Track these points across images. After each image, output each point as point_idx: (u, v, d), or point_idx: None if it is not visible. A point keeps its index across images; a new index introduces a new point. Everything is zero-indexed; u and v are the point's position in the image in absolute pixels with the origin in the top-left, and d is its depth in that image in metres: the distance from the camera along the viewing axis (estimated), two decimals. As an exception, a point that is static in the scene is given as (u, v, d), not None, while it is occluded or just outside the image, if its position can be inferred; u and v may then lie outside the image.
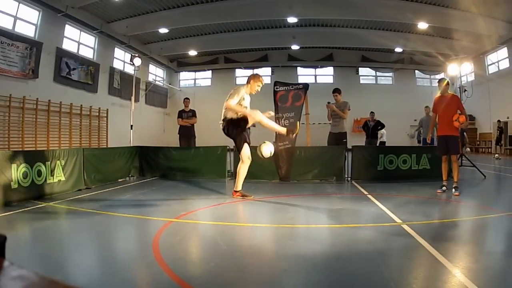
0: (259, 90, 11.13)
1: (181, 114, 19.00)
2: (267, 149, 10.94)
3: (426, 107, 20.96)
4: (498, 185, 15.63)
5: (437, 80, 12.66)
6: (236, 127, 10.78)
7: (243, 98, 10.76)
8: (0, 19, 23.18)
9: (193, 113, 18.96)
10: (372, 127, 21.83)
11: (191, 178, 15.55)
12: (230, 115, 10.72)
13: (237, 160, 14.70)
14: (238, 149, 11.23)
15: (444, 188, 11.68)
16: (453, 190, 11.42)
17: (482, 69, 38.81)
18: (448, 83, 12.12)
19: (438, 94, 12.22)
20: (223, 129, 10.95)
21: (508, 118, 32.02)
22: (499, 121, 32.18)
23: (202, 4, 31.41)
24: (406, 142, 39.88)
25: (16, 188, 9.85)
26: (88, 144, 30.92)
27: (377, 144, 23.88)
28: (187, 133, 18.70)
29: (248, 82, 11.10)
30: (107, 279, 4.79)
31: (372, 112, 22.52)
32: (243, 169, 11.06)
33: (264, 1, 30.90)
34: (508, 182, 16.43)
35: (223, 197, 11.57)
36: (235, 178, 11.45)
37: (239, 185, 11.16)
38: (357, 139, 22.36)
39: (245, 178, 11.26)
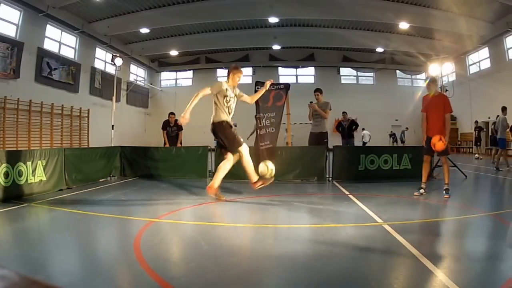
0: (239, 80, 11.18)
1: (165, 126, 19.03)
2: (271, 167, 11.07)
3: (504, 108, 20.86)
4: (479, 185, 15.73)
5: (426, 80, 12.37)
6: (220, 130, 10.80)
7: (226, 89, 10.74)
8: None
9: (178, 127, 18.90)
10: (347, 127, 21.73)
11: (172, 178, 15.53)
12: (214, 119, 10.78)
13: (218, 160, 14.75)
14: (231, 149, 11.00)
15: (422, 190, 11.41)
16: (444, 192, 11.20)
17: (463, 69, 39.15)
18: (435, 81, 12.02)
19: (430, 94, 11.91)
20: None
21: (489, 118, 32.21)
22: (476, 121, 32.34)
23: (183, 4, 31.49)
24: (387, 142, 40.15)
25: (-3, 188, 9.81)
26: (70, 144, 30.86)
27: (355, 144, 23.70)
28: (172, 143, 18.66)
29: (228, 75, 11.15)
30: (88, 279, 4.77)
31: (344, 112, 22.40)
32: (224, 166, 10.90)
33: (245, 1, 30.99)
34: (489, 182, 16.54)
35: (204, 197, 11.50)
36: (225, 178, 11.36)
37: (216, 182, 10.85)
38: (338, 139, 22.21)
39: (226, 178, 11.26)
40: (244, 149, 10.90)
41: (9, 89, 24.83)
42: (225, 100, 10.72)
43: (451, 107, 11.66)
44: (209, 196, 11.06)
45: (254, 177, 10.97)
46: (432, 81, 11.96)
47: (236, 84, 11.12)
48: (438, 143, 11.06)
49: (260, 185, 10.93)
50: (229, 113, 10.84)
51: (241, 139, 10.92)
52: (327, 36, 38.93)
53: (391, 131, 42.79)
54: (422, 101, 12.07)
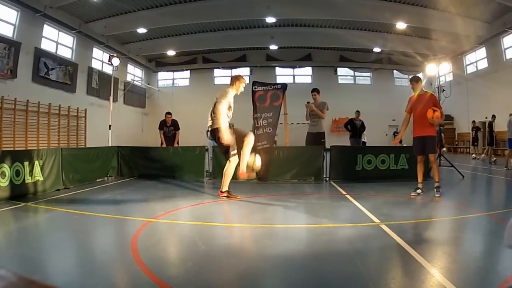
0: (243, 90, 11.47)
1: (162, 126, 19.15)
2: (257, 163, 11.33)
3: None
4: (476, 185, 15.75)
5: (410, 79, 12.38)
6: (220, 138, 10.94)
7: (231, 104, 11.05)
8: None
9: (175, 127, 19.03)
10: (359, 127, 21.61)
11: (169, 178, 15.54)
12: (217, 124, 10.86)
13: (215, 160, 14.79)
14: (224, 153, 11.32)
15: (419, 191, 11.41)
16: (435, 190, 11.24)
17: (460, 69, 39.12)
18: (418, 80, 11.88)
19: (415, 94, 12.00)
20: (209, 132, 11.22)
21: (486, 118, 32.18)
22: (474, 121, 32.30)
23: (180, 4, 31.45)
24: (384, 142, 40.11)
25: (-6, 189, 9.81)
26: (67, 144, 30.83)
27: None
28: (169, 143, 18.69)
29: (232, 83, 11.35)
30: (85, 279, 4.78)
31: (358, 111, 22.28)
32: (230, 169, 11.15)
33: (243, 1, 30.99)
34: (486, 182, 16.59)
35: (201, 197, 11.59)
36: (221, 178, 11.46)
37: (225, 185, 11.23)
38: (335, 139, 22.24)
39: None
40: (233, 160, 11.13)
41: (6, 89, 24.81)
42: (229, 109, 11.01)
43: (439, 104, 11.71)
44: (207, 196, 11.16)
45: (225, 187, 11.28)
46: (417, 80, 11.94)
47: (239, 92, 11.38)
48: (431, 111, 11.11)
49: (224, 196, 11.18)
50: (228, 120, 11.02)
51: (235, 150, 11.12)
52: (324, 36, 38.91)
53: (397, 129, 42.62)
54: (408, 102, 12.07)
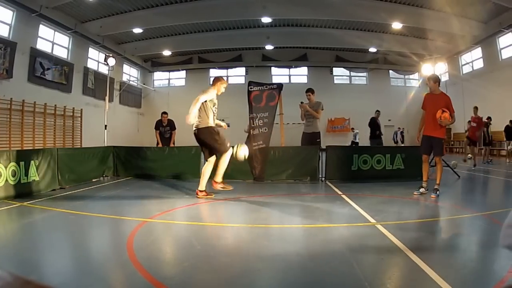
0: (223, 91, 11.68)
1: (158, 126, 19.09)
2: (243, 152, 11.34)
3: None
4: (471, 185, 15.71)
5: (427, 78, 12.36)
6: (208, 134, 11.21)
7: (215, 101, 11.32)
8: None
9: (171, 127, 19.02)
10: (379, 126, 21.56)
11: (165, 178, 15.53)
12: (201, 124, 11.13)
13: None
14: (219, 151, 11.43)
15: (422, 189, 11.36)
16: (432, 192, 11.17)
17: (456, 69, 39.17)
18: (436, 80, 11.73)
19: (432, 92, 11.80)
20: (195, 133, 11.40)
21: (482, 118, 32.22)
22: (469, 122, 32.31)
23: (176, 4, 31.47)
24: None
25: (-10, 189, 9.79)
26: (62, 144, 30.77)
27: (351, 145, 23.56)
28: (165, 144, 18.67)
29: (213, 84, 11.64)
30: (81, 279, 4.76)
31: (378, 110, 22.23)
32: (208, 170, 11.41)
33: (238, 1, 30.99)
34: (482, 182, 16.58)
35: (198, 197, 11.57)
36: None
37: (202, 185, 11.36)
38: (330, 139, 22.20)
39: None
40: (228, 153, 11.34)
41: (2, 89, 24.73)
42: (214, 107, 11.30)
43: (452, 106, 11.47)
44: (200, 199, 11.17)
45: (219, 178, 11.50)
46: (434, 80, 11.76)
47: (219, 92, 11.64)
48: (439, 112, 11.01)
49: (219, 187, 11.45)
50: (214, 119, 11.31)
51: (229, 144, 11.36)
52: (320, 36, 38.94)
53: (402, 128, 42.29)
54: (423, 99, 11.97)
